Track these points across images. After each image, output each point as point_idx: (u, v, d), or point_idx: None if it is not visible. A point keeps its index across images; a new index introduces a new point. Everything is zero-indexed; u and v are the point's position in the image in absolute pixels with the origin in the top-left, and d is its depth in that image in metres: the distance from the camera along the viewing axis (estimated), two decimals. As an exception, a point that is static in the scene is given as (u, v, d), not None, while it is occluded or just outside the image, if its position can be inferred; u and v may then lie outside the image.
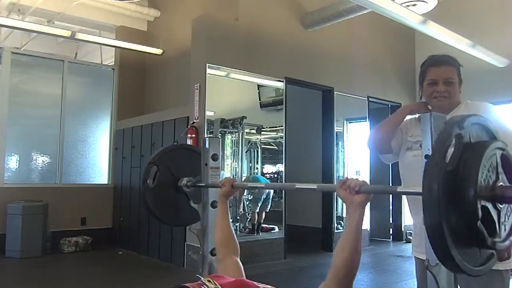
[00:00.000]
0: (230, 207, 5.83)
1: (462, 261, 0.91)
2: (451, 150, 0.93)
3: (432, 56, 1.94)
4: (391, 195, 7.03)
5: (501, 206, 0.96)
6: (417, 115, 2.04)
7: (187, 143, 4.99)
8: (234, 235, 1.62)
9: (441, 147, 0.91)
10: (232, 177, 1.82)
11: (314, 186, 1.38)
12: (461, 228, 0.91)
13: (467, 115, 0.99)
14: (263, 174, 6.27)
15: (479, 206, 0.90)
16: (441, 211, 0.87)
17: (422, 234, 1.86)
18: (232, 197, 5.82)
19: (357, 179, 1.21)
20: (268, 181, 6.12)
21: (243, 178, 5.96)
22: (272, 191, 5.96)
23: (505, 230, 0.99)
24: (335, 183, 6.35)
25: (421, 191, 0.92)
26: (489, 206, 0.93)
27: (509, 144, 1.71)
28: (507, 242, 1.00)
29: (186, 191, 1.90)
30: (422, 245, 1.81)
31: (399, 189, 1.26)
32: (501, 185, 0.96)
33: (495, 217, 0.95)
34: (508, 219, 1.00)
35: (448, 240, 0.87)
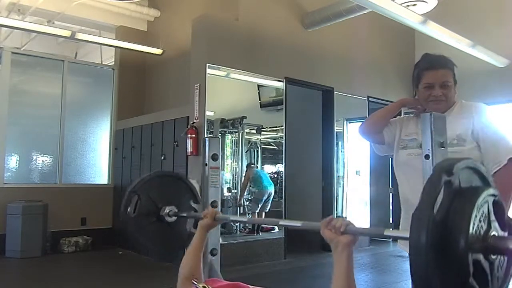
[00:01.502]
0: (229, 207, 5.81)
1: None
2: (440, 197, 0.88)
3: (426, 57, 1.92)
4: (391, 195, 7.05)
5: (493, 257, 0.91)
6: (413, 113, 2.04)
7: (187, 143, 5.00)
8: (201, 269, 1.58)
9: (429, 196, 0.86)
10: (216, 209, 1.74)
11: (298, 223, 1.35)
12: (451, 282, 0.85)
13: (457, 160, 0.94)
14: (263, 174, 6.27)
15: (470, 260, 0.85)
16: (429, 264, 0.83)
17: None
18: (232, 197, 5.87)
19: (342, 218, 1.15)
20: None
21: (244, 173, 5.96)
22: (272, 192, 5.97)
23: (498, 281, 0.94)
24: (334, 183, 6.36)
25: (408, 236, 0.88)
26: (481, 258, 0.88)
27: (500, 149, 1.73)
28: None
29: (169, 220, 1.84)
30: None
31: (386, 232, 1.19)
32: (493, 235, 0.91)
33: (488, 270, 0.90)
34: (501, 269, 0.96)
35: None
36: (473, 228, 0.86)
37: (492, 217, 0.93)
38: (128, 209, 1.79)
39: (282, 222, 1.49)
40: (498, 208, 0.96)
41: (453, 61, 1.91)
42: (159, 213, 1.84)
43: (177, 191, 1.93)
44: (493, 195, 0.95)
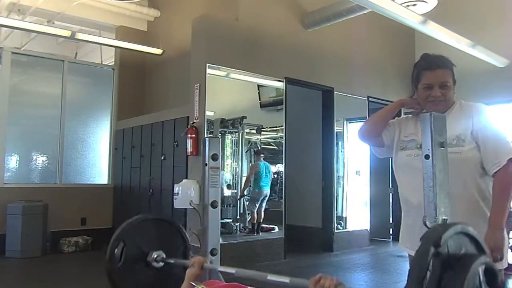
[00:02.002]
0: (231, 206, 5.79)
1: None
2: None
3: (425, 57, 1.91)
4: (391, 194, 7.04)
5: None
6: (411, 113, 2.05)
7: (187, 143, 5.00)
8: None
9: (417, 275, 0.85)
10: (202, 258, 1.69)
11: (286, 280, 1.34)
12: None
13: (445, 228, 0.91)
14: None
15: None
16: None
17: (409, 231, 1.86)
18: (231, 196, 5.86)
19: (331, 278, 1.09)
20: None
21: (250, 165, 5.98)
22: (268, 193, 5.97)
23: None
24: (334, 183, 6.36)
25: None
26: None
27: (499, 150, 1.72)
28: None
29: (156, 266, 1.80)
30: (409, 240, 1.83)
31: None
32: None
33: None
34: None
35: None
36: None
37: (484, 286, 0.92)
38: (115, 254, 1.72)
39: (270, 277, 1.46)
40: (491, 275, 0.94)
41: (453, 61, 1.90)
42: (146, 259, 1.79)
43: (164, 235, 1.88)
44: (484, 263, 0.93)
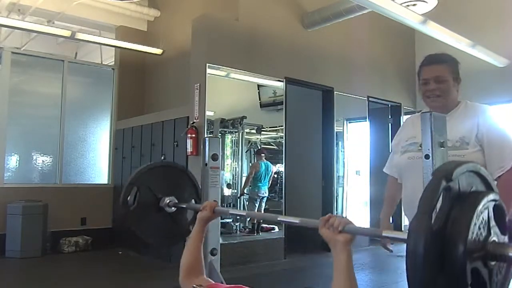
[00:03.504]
0: (231, 206, 5.81)
1: None
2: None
3: (427, 56, 1.92)
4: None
5: (492, 263, 0.90)
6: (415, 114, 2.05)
7: (187, 143, 5.00)
8: (202, 260, 1.55)
9: (427, 204, 0.85)
10: (216, 201, 1.70)
11: (296, 220, 1.35)
12: None
13: (458, 164, 0.92)
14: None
15: (468, 270, 0.84)
16: (426, 272, 0.82)
17: None
18: (231, 196, 5.86)
19: (341, 216, 1.13)
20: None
21: (250, 164, 5.98)
22: (266, 193, 5.98)
23: (496, 286, 0.93)
24: (334, 183, 6.36)
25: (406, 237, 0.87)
26: (480, 266, 0.88)
27: (504, 154, 1.72)
28: None
29: (169, 211, 1.83)
30: None
31: (385, 233, 1.19)
32: (493, 241, 0.90)
33: (486, 277, 0.89)
34: (500, 274, 0.95)
35: None
36: (472, 235, 0.85)
37: (492, 223, 0.92)
38: (128, 201, 1.77)
39: (281, 218, 1.48)
40: (499, 212, 0.94)
41: (453, 57, 1.90)
42: (158, 204, 1.83)
43: (176, 182, 1.92)
44: (493, 200, 0.93)
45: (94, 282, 4.64)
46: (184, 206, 1.84)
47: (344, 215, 6.47)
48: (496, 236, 0.92)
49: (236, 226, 5.73)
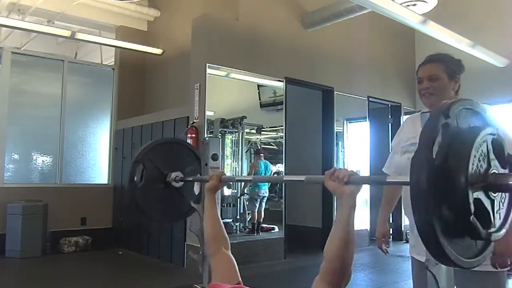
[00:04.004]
0: (231, 206, 5.81)
1: (457, 257, 0.88)
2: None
3: (427, 56, 1.94)
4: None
5: (494, 194, 0.93)
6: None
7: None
8: (223, 228, 1.58)
9: (427, 139, 0.87)
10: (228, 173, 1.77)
11: (302, 178, 1.36)
12: (453, 222, 0.87)
13: (453, 102, 0.95)
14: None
15: (471, 199, 0.87)
16: (430, 205, 0.84)
17: (418, 240, 1.88)
18: (231, 196, 5.86)
19: (345, 169, 1.16)
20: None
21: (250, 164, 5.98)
22: (266, 193, 5.97)
23: (499, 218, 0.96)
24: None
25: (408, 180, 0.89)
26: (482, 197, 0.90)
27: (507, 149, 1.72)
28: (502, 231, 0.96)
29: (176, 186, 1.86)
30: (418, 245, 1.81)
31: (389, 179, 1.24)
32: (493, 172, 0.92)
33: (489, 207, 0.91)
34: (503, 205, 0.97)
35: (439, 236, 0.84)
36: (472, 167, 0.87)
37: (492, 156, 0.94)
38: (135, 179, 1.79)
39: (286, 177, 1.51)
40: (498, 146, 0.96)
41: (452, 57, 1.89)
42: (165, 180, 1.85)
43: (181, 157, 1.95)
44: (491, 134, 0.95)
45: (94, 282, 4.64)
46: (191, 179, 1.86)
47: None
48: (496, 168, 0.94)
49: (236, 226, 5.73)
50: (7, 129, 6.05)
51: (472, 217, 0.87)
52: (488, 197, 0.91)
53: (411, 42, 7.55)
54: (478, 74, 6.13)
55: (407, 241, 6.71)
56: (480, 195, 0.89)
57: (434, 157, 0.86)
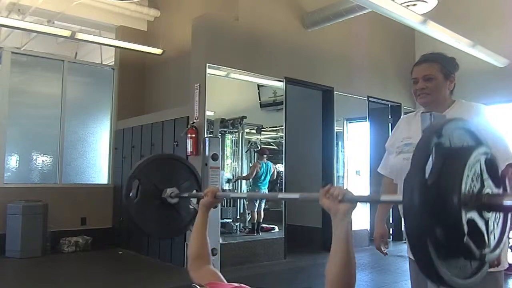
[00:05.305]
0: (232, 206, 5.80)
1: (451, 277, 0.86)
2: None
3: (421, 55, 1.93)
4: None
5: (488, 214, 0.91)
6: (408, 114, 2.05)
7: (187, 143, 5.00)
8: (209, 247, 1.57)
9: (420, 159, 0.86)
10: (219, 187, 1.74)
11: (296, 195, 1.36)
12: (447, 243, 0.86)
13: (446, 121, 0.94)
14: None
15: (464, 220, 0.85)
16: (423, 226, 0.83)
17: None
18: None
19: (340, 187, 1.16)
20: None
21: (250, 164, 5.97)
22: (267, 192, 5.96)
23: (494, 238, 0.94)
24: (334, 182, 6.35)
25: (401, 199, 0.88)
26: (476, 217, 0.89)
27: (499, 151, 1.71)
28: (497, 251, 0.95)
29: (171, 202, 1.85)
30: None
31: (383, 198, 1.21)
32: (487, 193, 0.91)
33: (483, 228, 0.90)
34: (497, 225, 0.95)
35: (433, 257, 0.83)
36: (465, 187, 0.86)
37: (485, 175, 0.93)
38: (131, 195, 1.79)
39: (281, 195, 1.51)
40: (491, 165, 0.95)
41: (446, 56, 1.89)
42: (161, 196, 1.85)
43: (177, 173, 1.94)
44: (485, 153, 0.94)
45: (94, 282, 4.64)
46: (186, 195, 1.86)
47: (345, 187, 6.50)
48: (490, 188, 0.93)
49: (236, 226, 5.72)
50: (7, 129, 6.05)
51: (466, 238, 0.86)
52: (482, 217, 0.90)
53: (411, 42, 7.55)
54: (478, 74, 6.14)
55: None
56: (474, 215, 0.88)
57: (426, 177, 0.85)
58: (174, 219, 1.89)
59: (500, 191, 0.97)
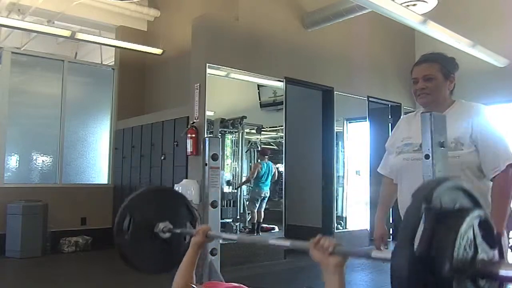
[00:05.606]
0: (232, 206, 5.77)
1: None
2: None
3: (421, 55, 1.93)
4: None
5: (482, 282, 0.87)
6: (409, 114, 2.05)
7: (187, 143, 5.00)
8: (193, 281, 1.56)
9: (408, 231, 0.83)
10: (207, 226, 1.71)
11: (287, 243, 1.35)
12: None
13: (436, 183, 0.90)
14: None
15: None
16: None
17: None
18: (231, 193, 5.85)
19: (330, 238, 1.11)
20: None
21: (251, 165, 5.96)
22: (268, 194, 5.94)
23: None
24: (334, 183, 6.35)
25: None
26: (470, 286, 0.85)
27: (499, 151, 1.71)
28: None
29: (163, 237, 1.81)
30: None
31: (374, 254, 1.15)
32: (481, 259, 0.87)
33: None
34: None
35: None
36: (457, 257, 0.82)
37: (479, 240, 0.89)
38: (123, 227, 1.75)
39: (272, 241, 1.48)
40: (485, 227, 0.91)
41: (446, 56, 1.89)
42: (153, 230, 1.80)
43: (170, 205, 1.89)
44: (478, 216, 0.90)
45: (94, 282, 4.64)
46: (179, 231, 1.81)
47: (344, 215, 6.49)
48: (484, 253, 0.89)
49: (236, 226, 5.72)
50: (7, 129, 6.05)
51: None
52: (477, 285, 0.86)
53: (411, 42, 7.55)
54: (478, 74, 6.14)
55: (407, 241, 6.71)
56: (467, 284, 0.84)
57: (416, 246, 0.82)
58: (166, 254, 1.85)
59: (496, 252, 0.92)
